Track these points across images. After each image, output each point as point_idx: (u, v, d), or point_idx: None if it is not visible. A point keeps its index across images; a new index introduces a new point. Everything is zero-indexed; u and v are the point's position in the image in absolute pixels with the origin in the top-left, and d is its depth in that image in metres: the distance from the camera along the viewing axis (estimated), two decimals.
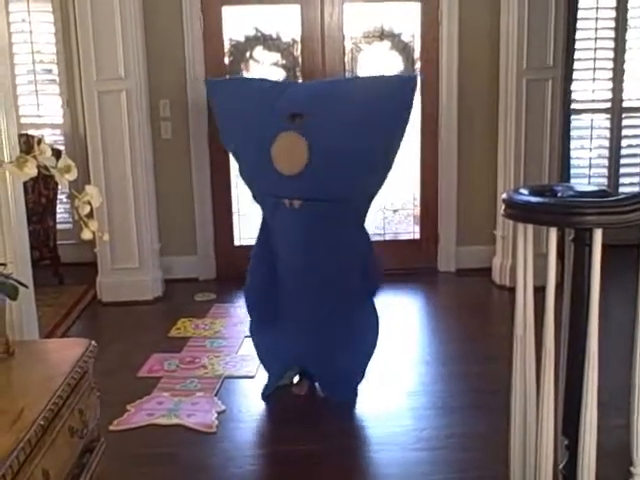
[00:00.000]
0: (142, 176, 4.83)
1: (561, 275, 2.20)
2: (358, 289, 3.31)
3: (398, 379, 3.65)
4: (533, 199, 1.97)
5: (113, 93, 4.71)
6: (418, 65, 5.21)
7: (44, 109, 5.63)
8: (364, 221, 3.32)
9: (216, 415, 3.27)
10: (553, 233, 1.95)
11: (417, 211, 5.51)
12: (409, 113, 3.14)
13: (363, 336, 3.36)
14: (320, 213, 3.12)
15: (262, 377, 3.61)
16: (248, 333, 3.67)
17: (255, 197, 3.38)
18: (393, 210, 5.64)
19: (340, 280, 3.25)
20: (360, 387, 3.44)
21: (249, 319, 3.56)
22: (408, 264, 5.35)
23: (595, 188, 2.09)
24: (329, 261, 3.20)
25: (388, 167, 3.20)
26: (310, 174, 3.05)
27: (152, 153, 5.03)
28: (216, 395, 3.47)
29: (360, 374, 3.41)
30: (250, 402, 3.46)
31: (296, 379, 3.52)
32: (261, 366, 3.60)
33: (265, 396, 3.43)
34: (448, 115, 5.19)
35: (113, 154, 4.77)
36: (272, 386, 3.44)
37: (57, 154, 1.93)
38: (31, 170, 1.86)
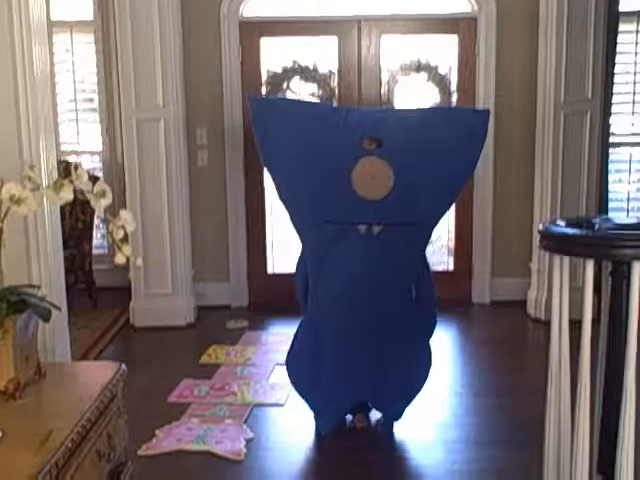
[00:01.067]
0: (177, 203, 4.87)
1: (598, 309, 2.16)
2: (414, 325, 3.29)
3: (430, 410, 3.59)
4: (570, 231, 1.94)
5: (151, 121, 4.77)
6: (455, 97, 5.20)
7: (84, 137, 5.74)
8: (426, 249, 3.35)
9: (244, 443, 3.24)
10: (590, 266, 1.91)
11: (452, 243, 5.47)
12: (481, 144, 3.20)
13: (417, 373, 3.35)
14: (398, 239, 3.12)
15: (292, 406, 3.58)
16: (281, 362, 3.61)
17: (304, 226, 3.26)
18: None
19: (406, 309, 3.24)
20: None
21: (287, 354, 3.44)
22: (442, 295, 5.21)
23: (634, 220, 2.06)
24: (396, 291, 3.20)
25: (454, 193, 3.23)
26: (393, 199, 3.06)
27: (188, 180, 5.07)
28: (245, 422, 3.45)
29: (407, 406, 3.39)
30: (279, 430, 3.43)
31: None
32: (291, 394, 3.57)
33: (324, 435, 3.34)
34: (484, 151, 5.12)
35: (150, 181, 4.82)
36: (333, 426, 3.36)
37: (94, 180, 1.95)
38: (67, 194, 1.88)
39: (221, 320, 5.03)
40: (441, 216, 3.25)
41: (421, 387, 3.36)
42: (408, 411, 3.45)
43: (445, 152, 3.12)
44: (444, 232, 5.49)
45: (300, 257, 3.39)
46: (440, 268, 5.52)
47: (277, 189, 3.29)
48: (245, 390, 3.84)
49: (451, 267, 5.47)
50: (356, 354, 3.21)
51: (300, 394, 3.38)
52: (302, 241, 3.31)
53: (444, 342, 4.72)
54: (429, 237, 3.30)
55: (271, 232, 5.34)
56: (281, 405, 3.66)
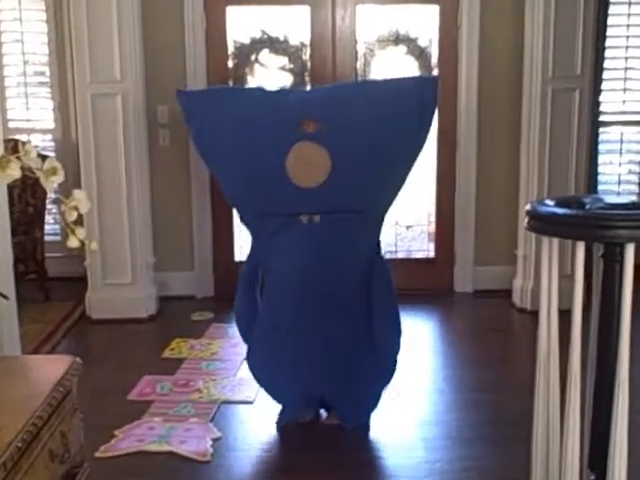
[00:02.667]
0: (137, 186, 4.82)
1: (588, 296, 2.16)
2: (378, 309, 3.27)
3: (410, 407, 3.60)
4: (559, 210, 1.94)
5: (108, 97, 4.71)
6: (436, 72, 5.20)
7: (34, 113, 5.64)
8: (379, 235, 3.31)
9: (211, 442, 3.22)
10: (580, 248, 1.91)
11: (432, 228, 5.48)
12: (431, 117, 3.15)
13: (382, 361, 3.32)
14: (341, 226, 3.11)
15: (261, 403, 3.57)
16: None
17: (249, 219, 3.28)
18: (406, 226, 5.61)
19: (358, 300, 3.23)
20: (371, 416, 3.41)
21: (246, 349, 3.46)
22: (422, 284, 5.32)
23: (627, 200, 2.06)
24: (346, 279, 3.18)
25: (405, 175, 3.21)
26: (332, 185, 3.04)
27: (148, 162, 5.02)
28: (211, 421, 3.43)
29: (375, 402, 3.37)
30: (248, 429, 3.42)
31: (321, 411, 3.48)
32: (261, 391, 3.56)
33: (280, 427, 3.38)
34: (467, 125, 5.18)
35: (106, 162, 4.76)
36: (289, 418, 3.39)
37: (44, 159, 1.90)
38: (14, 171, 1.83)
39: (185, 312, 5.01)
40: (391, 202, 3.24)
41: (386, 383, 3.36)
42: (385, 408, 3.46)
43: (391, 130, 3.06)
44: (424, 216, 5.50)
45: (248, 257, 3.38)
46: (420, 255, 5.55)
47: (220, 184, 3.31)
48: (211, 386, 3.82)
49: (432, 254, 5.48)
50: (310, 347, 3.23)
51: (261, 384, 3.44)
52: (250, 234, 3.32)
53: (424, 334, 4.74)
54: (379, 225, 3.27)
55: (238, 217, 5.29)
56: (250, 402, 3.65)
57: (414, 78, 3.36)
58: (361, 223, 3.17)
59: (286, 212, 3.12)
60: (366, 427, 3.36)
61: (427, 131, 3.17)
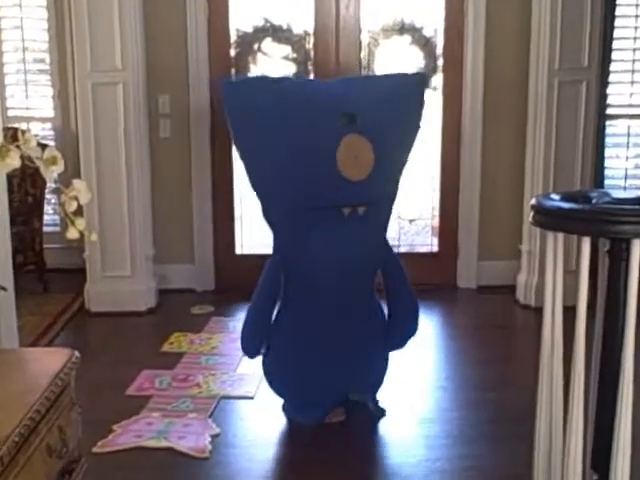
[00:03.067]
0: (137, 177, 4.82)
1: (593, 293, 2.17)
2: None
3: (411, 405, 3.61)
4: (565, 205, 1.95)
5: (108, 86, 4.70)
6: (440, 62, 5.19)
7: (34, 101, 5.64)
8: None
9: (210, 439, 3.23)
10: (586, 243, 1.92)
11: (435, 222, 5.48)
12: (423, 107, 3.37)
13: (383, 350, 3.47)
14: (377, 217, 3.25)
15: (262, 398, 3.58)
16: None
17: (282, 214, 3.24)
18: (409, 220, 5.61)
19: (372, 291, 3.38)
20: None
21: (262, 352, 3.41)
22: (425, 279, 5.29)
23: (634, 195, 2.06)
24: (372, 270, 3.33)
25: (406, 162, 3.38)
26: (376, 177, 3.11)
27: (149, 152, 5.02)
28: (210, 417, 3.44)
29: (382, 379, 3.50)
30: (248, 425, 3.43)
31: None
32: (261, 386, 3.57)
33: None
34: (472, 117, 5.17)
35: (106, 152, 4.76)
36: (317, 419, 3.38)
37: (43, 148, 1.90)
38: (14, 160, 1.83)
39: (185, 305, 5.01)
40: (396, 192, 3.40)
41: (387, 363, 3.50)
42: (387, 405, 3.47)
43: (404, 120, 3.26)
44: (427, 210, 5.49)
45: (270, 263, 3.31)
46: (423, 249, 5.54)
47: (249, 175, 3.27)
48: (211, 381, 3.83)
49: (435, 248, 5.48)
50: (341, 339, 3.29)
51: (280, 394, 3.44)
52: (275, 233, 3.29)
53: (426, 330, 4.73)
54: (392, 211, 3.42)
55: (240, 209, 5.31)
56: (250, 398, 3.65)
57: (411, 75, 3.54)
58: (387, 212, 3.34)
59: (333, 204, 3.13)
60: (376, 410, 3.42)
61: (419, 123, 3.37)
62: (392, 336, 3.42)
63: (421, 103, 3.35)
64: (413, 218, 5.60)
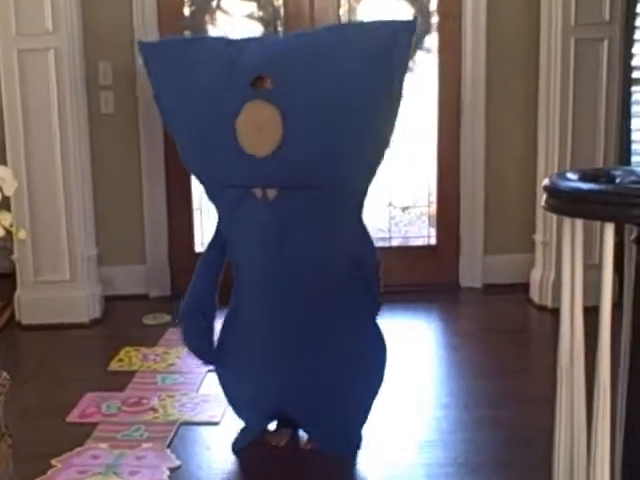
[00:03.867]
0: (75, 162, 4.81)
1: (619, 290, 2.18)
2: (356, 306, 3.29)
3: (409, 426, 3.62)
4: (584, 186, 1.95)
5: (38, 52, 4.69)
6: (435, 20, 5.21)
7: None
8: (360, 216, 3.30)
9: (168, 473, 3.23)
10: (610, 230, 1.93)
11: (433, 209, 5.51)
12: (406, 69, 3.13)
13: (365, 369, 3.33)
14: (303, 205, 3.09)
15: (229, 423, 3.58)
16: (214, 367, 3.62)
17: (211, 192, 3.32)
18: (402, 208, 5.64)
19: (330, 295, 3.23)
20: (362, 435, 3.42)
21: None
22: (421, 277, 5.34)
23: None
24: (315, 270, 3.18)
25: (383, 142, 3.19)
26: (286, 154, 3.01)
27: (88, 132, 5.01)
28: (169, 447, 3.43)
29: (362, 419, 3.39)
30: (213, 456, 3.43)
31: (272, 426, 3.49)
32: (229, 410, 3.57)
33: (236, 449, 3.41)
34: (473, 85, 5.19)
35: (37, 132, 4.75)
36: (248, 439, 3.42)
37: None
38: None
39: (136, 314, 5.02)
40: (370, 176, 3.23)
41: (375, 391, 3.36)
42: (379, 427, 3.48)
43: (354, 86, 3.02)
44: (423, 196, 5.52)
45: (212, 238, 3.39)
46: (419, 242, 5.58)
47: (179, 151, 3.33)
48: (168, 405, 3.82)
49: (433, 241, 5.51)
50: (276, 347, 3.25)
51: (230, 402, 3.49)
52: (216, 209, 3.36)
53: (425, 337, 4.76)
54: (355, 206, 3.27)
55: (199, 199, 5.31)
56: (215, 423, 3.66)
57: (385, 23, 3.27)
58: (332, 202, 3.15)
59: (240, 184, 3.14)
60: (355, 450, 3.37)
61: (401, 84, 3.13)
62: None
63: (398, 63, 3.08)
64: (406, 205, 5.62)
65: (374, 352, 3.35)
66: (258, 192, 3.09)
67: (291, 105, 3.01)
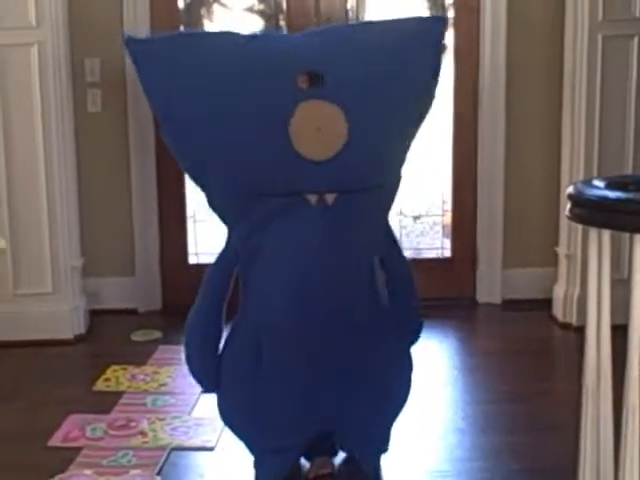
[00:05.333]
0: (59, 164, 4.82)
1: None
2: (394, 320, 3.33)
3: (422, 453, 3.63)
4: (611, 194, 1.96)
5: (20, 48, 4.70)
6: (451, 13, 5.23)
7: None
8: (389, 215, 3.36)
9: None
10: (639, 243, 1.93)
11: (447, 218, 5.51)
12: (441, 63, 3.21)
13: (394, 387, 3.36)
14: (361, 208, 3.10)
15: (225, 448, 3.59)
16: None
17: (226, 201, 3.22)
18: (414, 217, 5.64)
19: (373, 300, 3.26)
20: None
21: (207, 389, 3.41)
22: (435, 292, 5.32)
23: None
24: (363, 278, 3.20)
25: (414, 138, 3.27)
26: (351, 154, 3.01)
27: (73, 132, 5.02)
28: (159, 474, 3.43)
29: (389, 434, 3.39)
30: None
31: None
32: (224, 434, 3.57)
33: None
34: (492, 84, 5.20)
35: (19, 133, 4.76)
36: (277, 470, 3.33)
37: None
38: None
39: (124, 330, 5.02)
40: (400, 172, 3.29)
41: (400, 408, 3.38)
42: (390, 454, 3.47)
43: (399, 81, 3.11)
44: (437, 203, 5.52)
45: (221, 255, 3.30)
46: (432, 254, 5.58)
47: (181, 160, 3.26)
48: (159, 428, 3.83)
49: (448, 253, 5.51)
50: (314, 369, 3.20)
51: (236, 433, 3.39)
52: (225, 223, 3.29)
53: (439, 357, 4.76)
54: (393, 200, 3.32)
55: (193, 206, 5.31)
56: (210, 449, 3.66)
57: (418, 19, 3.37)
58: (379, 200, 3.21)
59: (288, 191, 3.06)
60: (379, 466, 3.38)
61: (437, 80, 3.22)
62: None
63: (435, 59, 3.21)
64: (418, 214, 5.63)
65: (406, 359, 3.41)
66: (313, 198, 3.07)
67: (352, 102, 3.01)
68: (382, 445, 3.38)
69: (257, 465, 3.34)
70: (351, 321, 3.19)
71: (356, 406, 3.26)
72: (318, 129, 3.00)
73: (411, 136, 3.27)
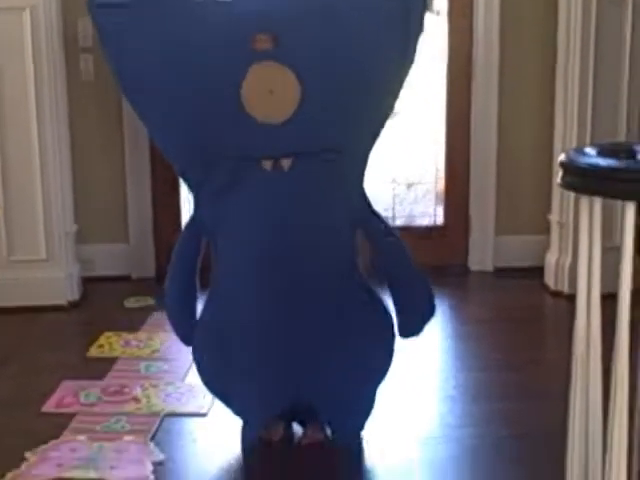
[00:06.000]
0: (52, 131, 4.80)
1: None
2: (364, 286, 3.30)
3: (412, 420, 3.63)
4: (603, 161, 1.96)
5: (10, 12, 4.66)
6: None
7: None
8: (363, 185, 3.29)
9: (152, 467, 3.23)
10: (630, 210, 1.93)
11: (440, 186, 5.51)
12: (420, 28, 3.16)
13: (371, 357, 3.34)
14: (317, 172, 3.09)
15: (217, 415, 3.59)
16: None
17: (189, 169, 3.25)
18: (407, 185, 5.64)
19: (343, 270, 3.24)
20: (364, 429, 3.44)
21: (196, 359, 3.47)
22: (427, 260, 5.25)
23: None
24: (327, 240, 3.18)
25: (391, 107, 3.23)
26: (305, 117, 3.01)
27: (66, 99, 5.00)
28: (152, 439, 3.44)
29: (370, 405, 3.40)
30: (199, 450, 3.44)
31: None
32: (216, 400, 3.58)
33: (247, 447, 3.38)
34: (486, 49, 5.19)
35: (10, 100, 4.73)
36: (255, 433, 3.39)
37: None
38: None
39: (117, 297, 5.03)
40: (376, 137, 3.24)
41: (380, 379, 3.38)
42: (380, 422, 3.49)
43: (372, 44, 3.09)
44: (430, 170, 5.52)
45: (189, 221, 3.36)
46: (425, 222, 5.57)
47: (147, 126, 3.28)
48: (152, 394, 3.84)
49: (440, 220, 5.52)
50: (284, 338, 3.23)
51: (217, 395, 3.46)
52: (193, 195, 3.29)
53: (431, 325, 4.74)
54: (362, 169, 3.27)
55: (175, 169, 5.28)
56: (203, 415, 3.67)
57: None
58: (340, 167, 3.16)
59: (242, 155, 3.08)
60: (357, 443, 3.39)
61: (415, 47, 3.17)
62: (401, 324, 3.37)
63: (414, 26, 3.14)
64: (411, 182, 5.62)
65: (385, 329, 3.36)
66: (267, 163, 3.06)
67: (305, 64, 3.00)
68: (360, 416, 3.40)
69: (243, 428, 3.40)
70: (319, 289, 3.19)
71: (330, 376, 3.27)
72: (270, 91, 3.00)
73: (382, 103, 3.21)
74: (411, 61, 3.19)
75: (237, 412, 3.43)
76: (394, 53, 3.15)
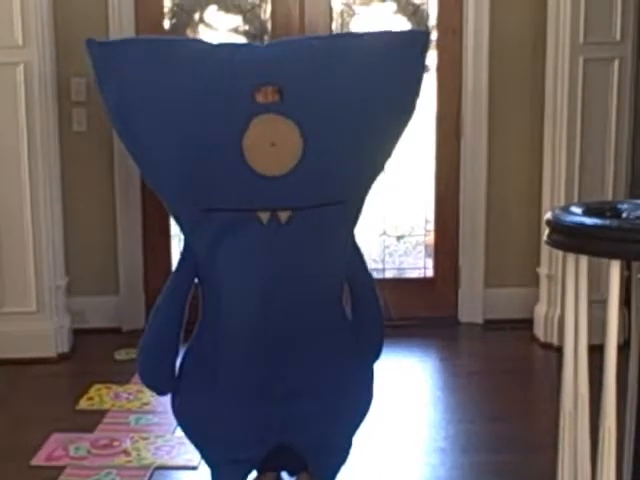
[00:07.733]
0: (43, 182, 4.82)
1: (628, 329, 2.21)
2: (356, 336, 3.32)
3: (404, 472, 3.63)
4: (588, 220, 1.99)
5: (6, 67, 4.71)
6: (434, 35, 5.26)
7: None
8: (354, 234, 3.32)
9: None
10: (616, 269, 1.96)
11: (430, 238, 5.53)
12: (421, 80, 3.18)
13: (353, 400, 3.33)
14: (315, 226, 3.08)
15: (207, 468, 3.58)
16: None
17: (190, 217, 3.19)
18: (397, 237, 5.65)
19: (334, 319, 3.25)
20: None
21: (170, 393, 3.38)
22: (417, 312, 5.35)
23: None
24: (321, 293, 3.18)
25: (390, 152, 3.23)
26: (307, 171, 3.00)
27: (58, 150, 5.03)
28: None
29: (348, 449, 3.38)
30: None
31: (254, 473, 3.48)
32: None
33: None
34: (474, 106, 5.24)
35: (4, 152, 4.76)
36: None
37: None
38: None
39: (107, 349, 5.02)
40: (370, 186, 3.25)
41: (360, 421, 3.36)
42: (368, 472, 3.48)
43: (367, 96, 3.06)
44: (419, 222, 5.54)
45: (179, 263, 3.30)
46: (415, 274, 5.59)
47: (142, 170, 3.26)
48: (142, 447, 3.83)
49: (430, 272, 5.53)
50: (270, 385, 3.20)
51: (192, 439, 3.37)
52: (185, 237, 3.26)
53: (420, 377, 4.77)
54: (357, 217, 3.28)
55: (171, 214, 5.30)
56: (193, 468, 3.67)
57: (397, 33, 3.29)
58: (338, 218, 3.17)
59: (240, 207, 3.05)
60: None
61: (416, 97, 3.19)
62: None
63: (415, 73, 3.17)
64: (401, 234, 5.64)
65: (367, 367, 3.37)
66: (264, 216, 3.05)
67: (308, 117, 2.99)
68: (338, 457, 3.37)
69: (213, 475, 3.35)
70: (310, 339, 3.19)
71: (313, 419, 3.25)
72: (272, 144, 2.97)
73: (382, 152, 3.22)
74: (412, 109, 3.21)
75: (211, 458, 3.37)
76: (397, 101, 3.15)
